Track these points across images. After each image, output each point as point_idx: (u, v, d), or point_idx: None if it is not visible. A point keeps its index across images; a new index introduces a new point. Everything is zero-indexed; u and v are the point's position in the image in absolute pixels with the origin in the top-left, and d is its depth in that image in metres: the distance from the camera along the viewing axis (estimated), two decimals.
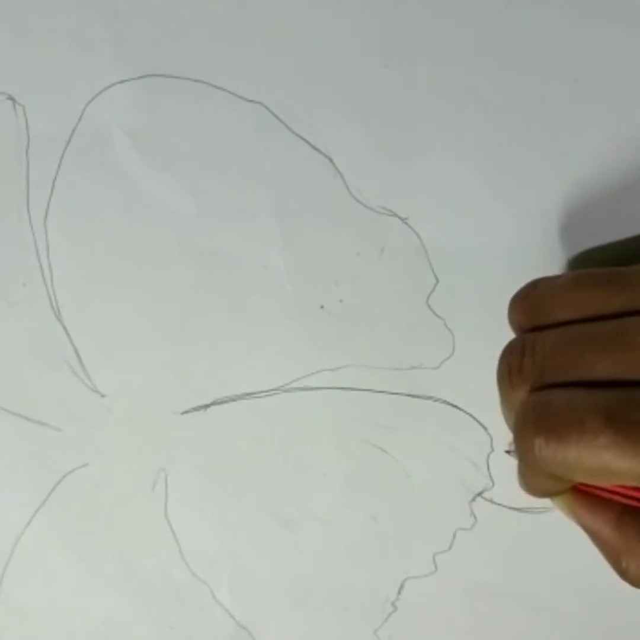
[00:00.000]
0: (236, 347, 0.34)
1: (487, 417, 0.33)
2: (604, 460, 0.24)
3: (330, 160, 0.33)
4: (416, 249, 0.33)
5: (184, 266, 0.34)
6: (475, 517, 0.33)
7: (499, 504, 0.33)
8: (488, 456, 0.33)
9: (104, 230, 0.34)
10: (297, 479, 0.34)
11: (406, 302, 0.33)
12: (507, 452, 0.32)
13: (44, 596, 0.34)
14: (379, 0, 0.33)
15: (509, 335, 0.29)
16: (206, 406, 0.34)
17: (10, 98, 0.33)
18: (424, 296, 0.33)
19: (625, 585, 0.30)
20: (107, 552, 0.34)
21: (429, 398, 0.33)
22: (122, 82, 0.33)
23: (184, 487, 0.34)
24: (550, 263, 0.33)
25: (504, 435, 0.32)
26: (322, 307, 0.33)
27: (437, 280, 0.33)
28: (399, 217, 0.33)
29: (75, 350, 0.34)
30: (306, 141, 0.33)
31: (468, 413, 0.33)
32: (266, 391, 0.34)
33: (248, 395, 0.34)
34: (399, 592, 0.33)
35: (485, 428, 0.33)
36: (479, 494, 0.33)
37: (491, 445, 0.33)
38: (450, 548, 0.33)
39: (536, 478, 0.27)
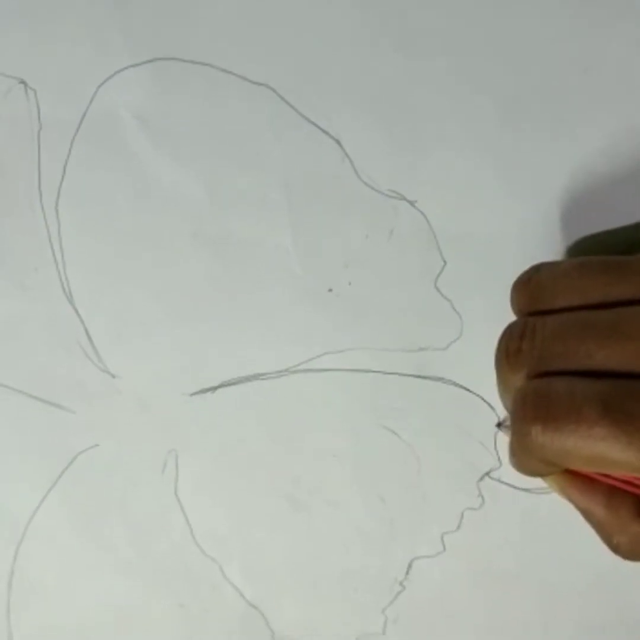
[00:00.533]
0: (245, 330, 0.34)
1: (494, 397, 0.33)
2: (600, 450, 0.24)
3: (339, 143, 0.33)
4: (424, 232, 0.33)
5: (193, 249, 0.34)
6: (483, 497, 0.33)
7: (507, 484, 0.33)
8: (496, 436, 0.33)
9: (115, 214, 0.34)
10: (306, 460, 0.34)
11: (414, 285, 0.33)
12: (498, 426, 0.32)
13: (57, 574, 0.34)
14: None
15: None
16: (215, 388, 0.34)
17: (22, 82, 0.34)
18: (432, 278, 0.33)
19: (632, 565, 0.30)
20: (118, 532, 0.34)
21: (437, 379, 0.33)
22: (132, 66, 0.34)
23: (194, 467, 0.34)
24: (557, 246, 0.33)
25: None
26: (330, 290, 0.34)
27: (445, 263, 0.33)
28: (408, 201, 0.33)
29: (87, 333, 0.34)
30: (315, 124, 0.33)
31: (476, 394, 0.33)
32: (275, 373, 0.34)
33: (257, 377, 0.34)
34: (407, 572, 0.34)
35: (493, 408, 0.33)
36: (487, 473, 0.33)
37: (498, 425, 0.33)
38: (458, 528, 0.33)
39: (530, 462, 0.27)
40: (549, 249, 0.33)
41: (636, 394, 0.24)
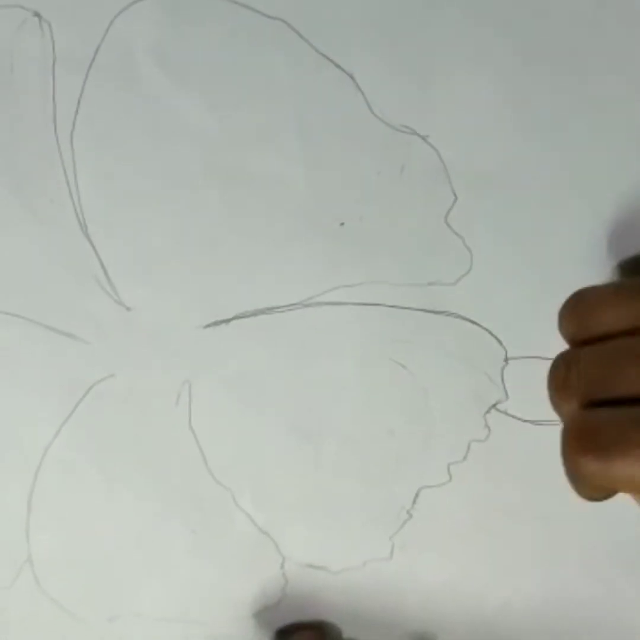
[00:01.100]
0: (258, 263, 0.34)
1: (502, 331, 0.33)
2: None
3: (352, 77, 0.33)
4: (436, 167, 0.34)
5: (207, 183, 0.34)
6: (489, 428, 0.34)
7: (513, 416, 0.34)
8: (503, 369, 0.34)
9: (129, 146, 0.34)
10: (316, 392, 0.35)
11: (425, 220, 0.34)
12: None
13: (73, 502, 0.35)
14: None
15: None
16: (229, 320, 0.35)
17: (37, 14, 0.34)
18: (442, 214, 0.34)
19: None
20: (133, 460, 0.35)
21: (446, 313, 0.34)
22: None
23: (208, 399, 0.35)
24: (566, 185, 0.33)
25: (520, 349, 0.33)
26: (342, 224, 0.34)
27: (456, 198, 0.34)
28: (420, 136, 0.33)
29: (102, 265, 0.35)
30: (328, 58, 0.33)
31: (484, 327, 0.34)
32: (287, 306, 0.34)
33: (269, 309, 0.34)
34: (414, 501, 0.35)
35: (500, 342, 0.34)
36: (494, 405, 0.34)
37: (506, 359, 0.33)
38: (464, 459, 0.34)
39: (585, 490, 0.28)
40: (559, 186, 0.33)
41: None
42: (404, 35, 0.33)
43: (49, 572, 0.36)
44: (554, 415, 0.33)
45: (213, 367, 0.35)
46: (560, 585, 0.34)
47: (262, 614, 0.35)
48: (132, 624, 0.36)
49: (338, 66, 0.33)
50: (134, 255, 0.35)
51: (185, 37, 0.34)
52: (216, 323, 0.35)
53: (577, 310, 0.28)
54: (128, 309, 0.35)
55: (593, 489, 0.27)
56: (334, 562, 0.35)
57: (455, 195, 0.33)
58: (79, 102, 0.34)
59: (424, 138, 0.33)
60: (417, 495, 0.34)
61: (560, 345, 0.28)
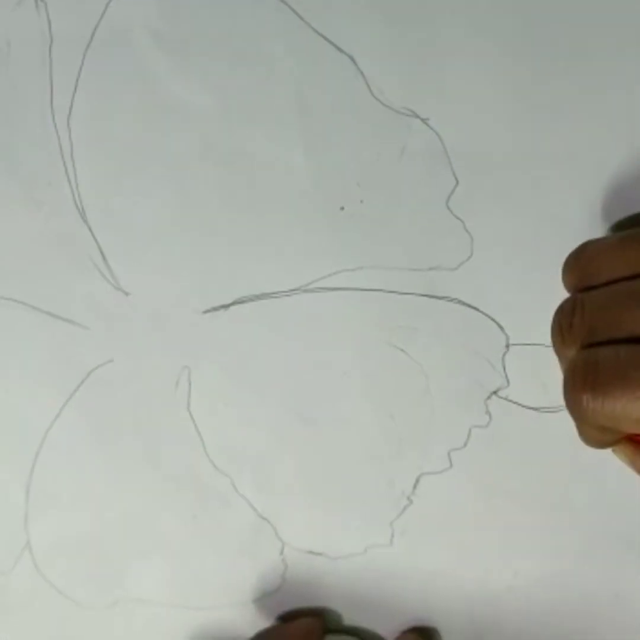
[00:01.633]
0: (257, 247, 0.34)
1: (503, 317, 0.33)
2: None
3: (352, 59, 0.33)
4: (437, 151, 0.33)
5: (206, 166, 0.34)
6: (490, 415, 0.34)
7: (514, 402, 0.33)
8: (504, 355, 0.33)
9: (127, 129, 0.34)
10: (316, 377, 0.34)
11: (426, 204, 0.33)
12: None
13: (73, 485, 0.35)
14: None
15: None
16: (228, 305, 0.34)
17: None
18: (443, 198, 0.33)
19: (634, 482, 0.31)
20: (132, 445, 0.35)
21: (448, 299, 0.33)
22: None
23: (207, 384, 0.35)
24: (567, 169, 0.33)
25: (521, 335, 0.33)
26: (342, 208, 0.34)
27: (457, 182, 0.33)
28: (420, 118, 0.33)
29: (100, 250, 0.34)
30: (328, 39, 0.33)
31: (485, 313, 0.33)
32: (286, 291, 0.34)
33: (269, 295, 0.34)
34: (415, 487, 0.34)
35: (501, 328, 0.33)
36: (494, 392, 0.34)
37: (507, 345, 0.33)
38: (465, 445, 0.34)
39: (587, 430, 0.28)
40: (561, 168, 0.32)
41: None
42: (404, 16, 0.33)
43: (49, 557, 0.36)
44: (555, 402, 0.33)
45: (212, 353, 0.35)
46: (561, 571, 0.34)
47: (261, 600, 0.35)
48: (131, 610, 0.36)
49: (338, 48, 0.33)
50: (132, 240, 0.34)
51: (184, 18, 0.33)
52: (215, 308, 0.34)
53: (581, 258, 0.29)
54: (127, 294, 0.35)
55: (594, 430, 0.28)
56: (334, 548, 0.35)
57: (456, 179, 0.33)
58: (76, 83, 0.34)
59: (424, 121, 0.33)
60: (417, 481, 0.34)
61: None
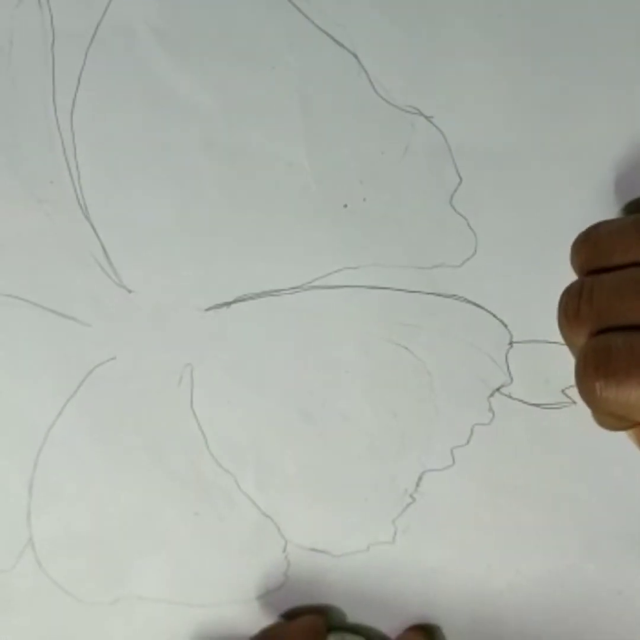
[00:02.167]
0: (260, 245, 0.34)
1: (507, 314, 0.33)
2: None
3: (355, 56, 0.33)
4: (440, 148, 0.33)
5: (209, 163, 0.34)
6: (493, 412, 0.34)
7: (517, 399, 0.33)
8: (507, 353, 0.33)
9: (130, 126, 0.34)
10: (319, 375, 0.34)
11: (430, 201, 0.33)
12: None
13: (76, 482, 0.35)
14: None
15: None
16: (230, 303, 0.34)
17: None
18: (447, 195, 0.33)
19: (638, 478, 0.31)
20: (135, 443, 0.35)
21: (451, 296, 0.33)
22: None
23: (209, 381, 0.35)
24: (571, 166, 0.32)
25: (524, 332, 0.33)
26: (345, 205, 0.34)
27: (461, 180, 0.33)
28: (424, 116, 0.33)
29: (103, 247, 0.34)
30: (331, 37, 0.33)
31: (489, 311, 0.33)
32: (289, 289, 0.34)
33: (271, 292, 0.34)
34: (417, 485, 0.34)
35: (505, 325, 0.33)
36: (498, 389, 0.34)
37: (510, 342, 0.33)
38: (468, 442, 0.34)
39: (601, 417, 0.28)
40: (566, 165, 0.32)
41: None
42: (408, 14, 0.33)
43: (51, 554, 0.36)
44: (558, 399, 0.33)
45: (215, 350, 0.35)
46: (564, 568, 0.34)
47: (264, 597, 0.35)
48: (134, 606, 0.36)
49: (341, 45, 0.33)
50: (134, 237, 0.34)
51: (186, 15, 0.33)
52: (217, 306, 0.34)
53: (590, 239, 0.29)
54: (129, 291, 0.35)
55: (607, 417, 0.27)
56: (337, 546, 0.35)
57: (460, 176, 0.33)
58: (78, 81, 0.34)
59: (428, 118, 0.33)
60: (420, 478, 0.34)
61: None
